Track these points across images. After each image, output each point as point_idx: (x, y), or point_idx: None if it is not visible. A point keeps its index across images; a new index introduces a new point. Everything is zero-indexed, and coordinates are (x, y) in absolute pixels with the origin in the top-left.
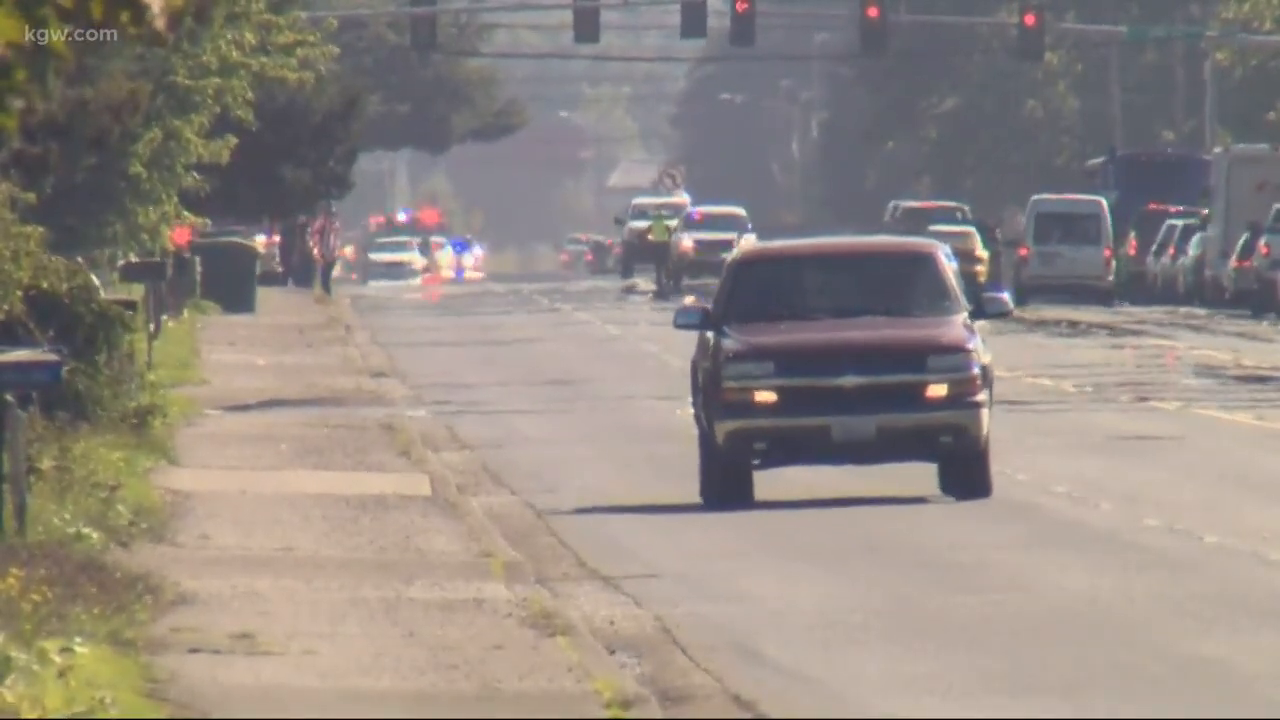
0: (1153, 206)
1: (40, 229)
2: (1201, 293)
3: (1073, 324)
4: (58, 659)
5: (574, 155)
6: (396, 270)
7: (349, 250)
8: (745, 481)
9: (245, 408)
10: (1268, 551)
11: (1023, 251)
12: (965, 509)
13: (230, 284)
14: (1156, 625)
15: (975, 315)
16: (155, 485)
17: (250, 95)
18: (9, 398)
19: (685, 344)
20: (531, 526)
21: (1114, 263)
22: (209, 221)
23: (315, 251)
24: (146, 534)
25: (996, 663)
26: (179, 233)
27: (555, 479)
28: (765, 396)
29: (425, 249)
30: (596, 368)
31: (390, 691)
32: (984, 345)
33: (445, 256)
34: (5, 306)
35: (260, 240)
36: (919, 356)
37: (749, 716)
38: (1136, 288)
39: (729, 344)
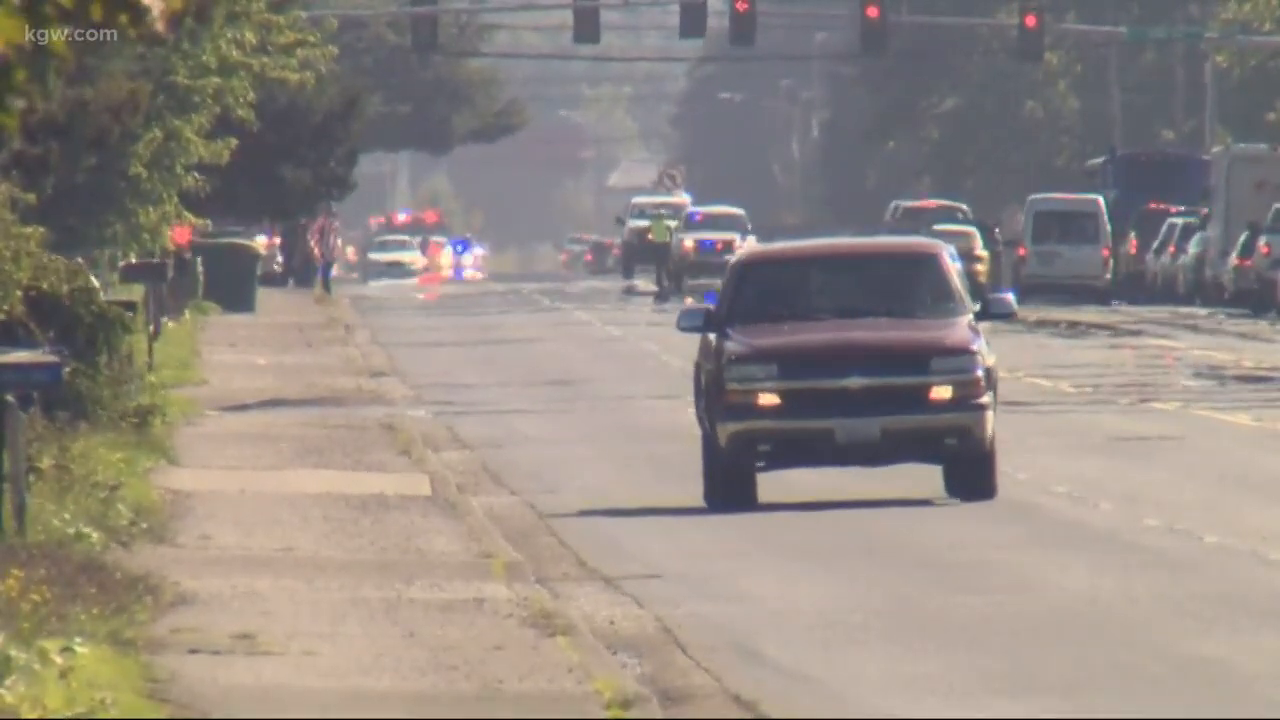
0: (1152, 206)
1: (40, 229)
2: (1201, 292)
3: (1073, 324)
4: (58, 659)
5: (574, 155)
6: (397, 270)
7: (350, 251)
8: (748, 484)
9: (245, 408)
10: (1268, 551)
11: (1021, 251)
12: (965, 509)
13: (231, 284)
14: (1157, 625)
15: (980, 316)
16: (155, 485)
17: (251, 95)
18: (9, 398)
19: (685, 344)
20: (532, 526)
21: (1111, 262)
22: (209, 223)
23: (315, 251)
24: (146, 534)
25: (997, 663)
26: (179, 232)
27: (555, 479)
28: (769, 399)
29: (425, 248)
30: (597, 368)
31: (391, 692)
32: (988, 347)
33: (445, 256)
34: (5, 307)
35: (260, 240)
36: (923, 358)
37: (749, 716)
38: (1136, 287)
39: (732, 346)
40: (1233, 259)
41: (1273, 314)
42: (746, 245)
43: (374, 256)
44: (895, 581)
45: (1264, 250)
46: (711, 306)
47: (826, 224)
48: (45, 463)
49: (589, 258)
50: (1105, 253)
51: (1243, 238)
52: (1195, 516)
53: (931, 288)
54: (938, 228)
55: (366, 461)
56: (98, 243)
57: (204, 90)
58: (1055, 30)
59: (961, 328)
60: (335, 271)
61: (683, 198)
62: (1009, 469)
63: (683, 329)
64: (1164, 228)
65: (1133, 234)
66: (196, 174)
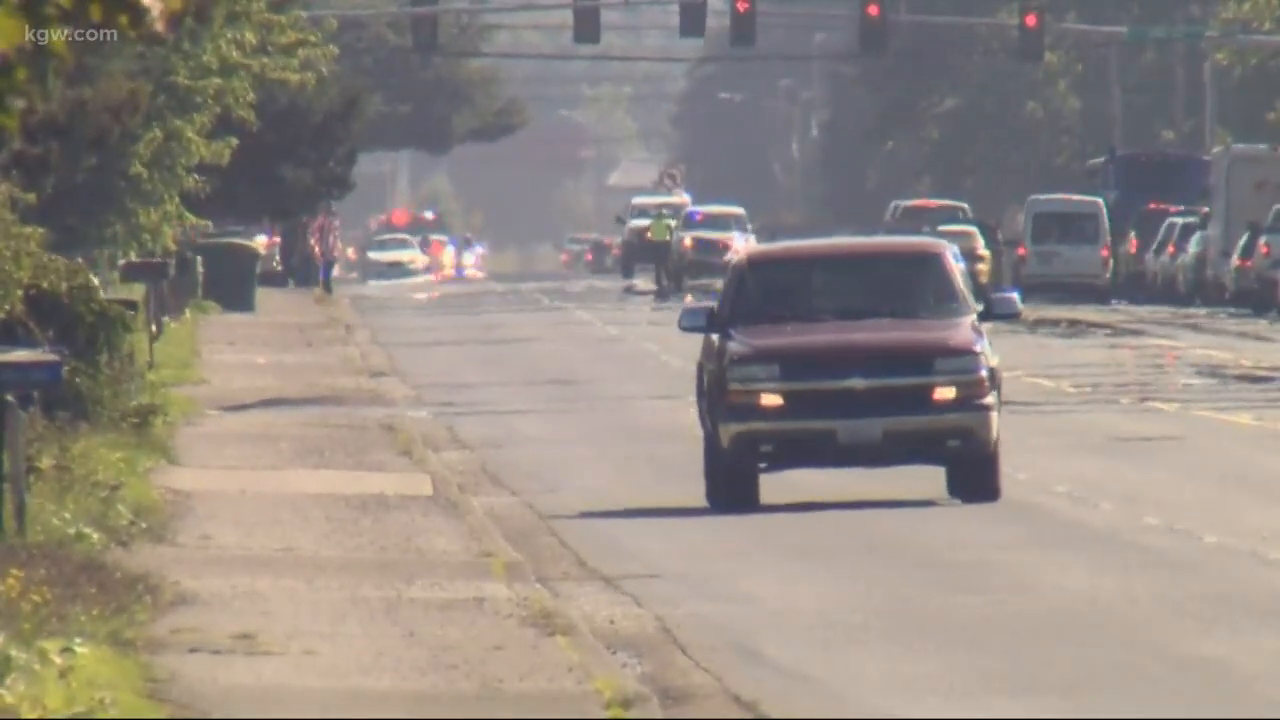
0: (1152, 206)
1: (41, 229)
2: (1202, 292)
3: (1073, 323)
4: (58, 659)
5: (574, 155)
6: (397, 269)
7: (350, 250)
8: (751, 485)
9: (245, 407)
10: (1268, 551)
11: (1021, 251)
12: (965, 510)
13: (231, 284)
14: (1156, 625)
15: (985, 316)
16: (155, 485)
17: (251, 96)
18: (9, 398)
19: (685, 344)
20: (532, 526)
21: (1111, 261)
22: (209, 224)
23: (315, 251)
24: (146, 534)
25: (997, 663)
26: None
27: (556, 479)
28: (771, 399)
29: (426, 247)
30: (597, 367)
31: (391, 691)
32: (992, 347)
33: (447, 255)
34: (6, 306)
35: (261, 240)
36: (926, 359)
37: (749, 716)
38: (1136, 287)
39: (734, 346)
40: (1233, 259)
41: (1273, 314)
42: (745, 244)
43: (374, 256)
44: (895, 581)
45: (1264, 250)
46: (714, 306)
47: (826, 224)
48: (45, 462)
49: (589, 257)
50: (1104, 252)
51: (1243, 238)
52: (1195, 516)
53: (935, 288)
54: (945, 228)
55: (367, 461)
56: (98, 242)
57: (204, 90)
58: (1055, 30)
59: (965, 328)
60: (335, 271)
61: (683, 197)
62: (1009, 469)
63: (684, 329)
64: (1164, 228)
65: (1132, 234)
66: (197, 174)
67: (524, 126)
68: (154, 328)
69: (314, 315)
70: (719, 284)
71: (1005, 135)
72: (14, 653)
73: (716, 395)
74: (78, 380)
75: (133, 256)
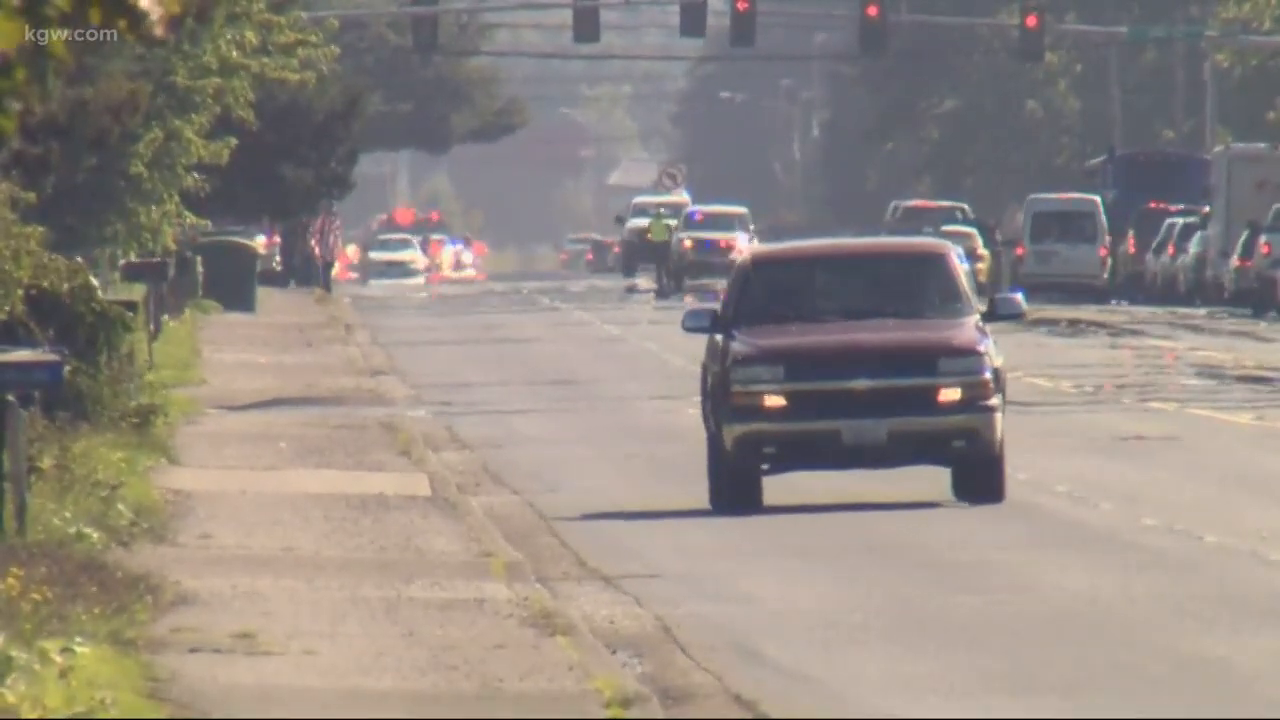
0: (1152, 206)
1: (41, 229)
2: (1202, 292)
3: (1072, 323)
4: (58, 659)
5: (574, 154)
6: (397, 269)
7: (350, 250)
8: (754, 486)
9: (246, 407)
10: (1268, 551)
11: (1019, 250)
12: (966, 510)
13: (231, 284)
14: (1156, 625)
15: (989, 317)
16: (156, 485)
17: (251, 95)
18: (10, 397)
19: (685, 343)
20: (532, 526)
21: (1109, 261)
22: (209, 223)
23: (315, 251)
24: (147, 534)
25: (997, 662)
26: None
27: (556, 479)
28: (775, 400)
29: (426, 247)
30: (597, 367)
31: (391, 691)
32: (996, 347)
33: (446, 255)
34: (6, 306)
35: (261, 240)
36: (930, 359)
37: (749, 716)
38: (1135, 287)
39: (738, 347)
40: (1233, 259)
41: (1273, 313)
42: (750, 246)
43: (374, 256)
44: (895, 581)
45: (1264, 250)
46: (717, 306)
47: (827, 224)
48: (46, 462)
49: (589, 257)
50: (1103, 252)
51: (1243, 237)
52: (1195, 516)
53: (939, 288)
54: (945, 229)
55: (367, 461)
56: (98, 242)
57: (204, 90)
58: (1055, 30)
59: (969, 329)
60: (335, 272)
61: (683, 197)
62: (1009, 469)
63: (687, 329)
64: (1164, 227)
65: (1131, 233)
66: (197, 174)
67: (524, 126)
68: (153, 328)
69: (314, 315)
70: (719, 284)
71: (1005, 135)
72: (14, 652)
73: (720, 396)
74: (78, 380)
75: (133, 256)
